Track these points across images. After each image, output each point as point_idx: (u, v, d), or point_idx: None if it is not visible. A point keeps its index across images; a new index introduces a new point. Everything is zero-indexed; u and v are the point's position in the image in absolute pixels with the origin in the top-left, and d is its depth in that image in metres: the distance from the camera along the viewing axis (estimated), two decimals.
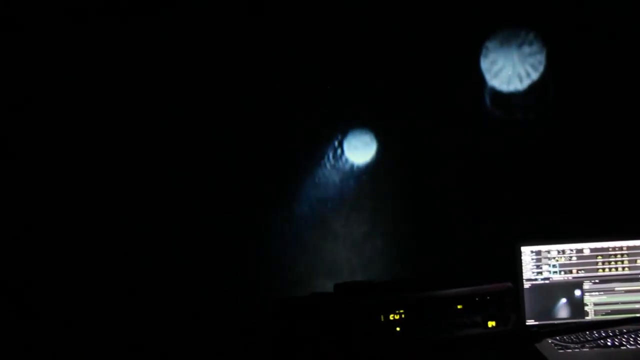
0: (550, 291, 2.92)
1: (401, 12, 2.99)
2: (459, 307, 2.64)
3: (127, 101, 2.85)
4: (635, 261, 2.92)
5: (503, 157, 3.09)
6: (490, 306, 2.68)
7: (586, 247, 2.93)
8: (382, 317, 2.53)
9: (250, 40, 2.92)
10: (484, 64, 3.07)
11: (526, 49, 3.09)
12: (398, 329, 2.56)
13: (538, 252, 2.93)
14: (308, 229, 3.04)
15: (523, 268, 2.92)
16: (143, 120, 2.86)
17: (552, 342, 2.73)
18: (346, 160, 3.09)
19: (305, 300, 2.67)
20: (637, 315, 2.84)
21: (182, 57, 2.87)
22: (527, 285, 2.92)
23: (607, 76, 3.05)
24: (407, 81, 3.04)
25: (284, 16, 2.93)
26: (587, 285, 2.93)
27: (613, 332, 2.79)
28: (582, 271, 2.93)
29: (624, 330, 2.77)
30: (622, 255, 2.92)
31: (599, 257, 2.93)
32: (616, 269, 2.92)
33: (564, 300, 2.93)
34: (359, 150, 3.09)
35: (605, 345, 2.70)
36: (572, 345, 2.69)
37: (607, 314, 2.92)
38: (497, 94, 3.09)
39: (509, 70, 3.08)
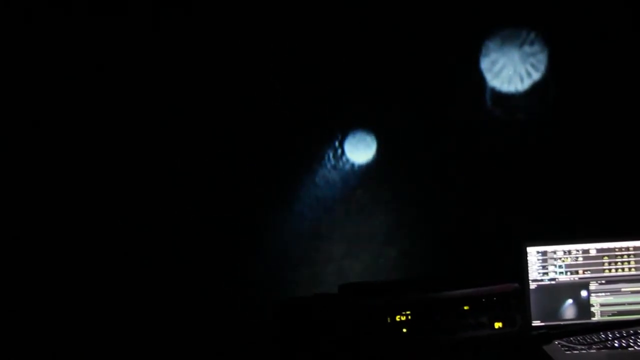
0: (556, 292, 2.89)
1: (401, 11, 3.00)
2: (465, 308, 2.65)
3: (127, 101, 2.86)
4: None
5: (508, 157, 3.08)
6: (496, 307, 2.70)
7: (592, 247, 2.90)
8: (388, 318, 2.54)
9: (250, 40, 2.93)
10: (484, 64, 3.07)
11: (527, 49, 3.09)
12: (404, 330, 2.56)
13: (544, 253, 2.90)
14: (308, 229, 3.03)
15: (529, 269, 2.88)
16: (143, 120, 2.87)
17: (558, 343, 2.69)
18: (347, 160, 3.09)
19: (310, 301, 2.66)
20: None
21: (182, 57, 2.88)
22: (533, 285, 2.88)
23: (612, 73, 3.04)
24: (407, 81, 3.04)
25: (285, 16, 2.94)
26: (593, 286, 2.89)
27: (620, 333, 2.75)
28: (589, 272, 2.90)
29: (631, 332, 2.73)
30: (628, 255, 2.89)
31: (605, 257, 2.90)
32: (622, 269, 2.89)
33: (570, 301, 2.89)
34: (360, 150, 3.09)
35: (613, 347, 2.66)
36: (579, 347, 2.66)
37: (613, 314, 2.88)
38: (500, 94, 3.09)
39: (510, 70, 3.07)
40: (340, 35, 2.98)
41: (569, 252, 2.90)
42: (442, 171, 3.08)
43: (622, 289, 2.88)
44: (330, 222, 3.07)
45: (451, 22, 3.00)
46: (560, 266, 2.90)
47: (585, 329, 2.75)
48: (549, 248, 2.90)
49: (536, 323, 2.86)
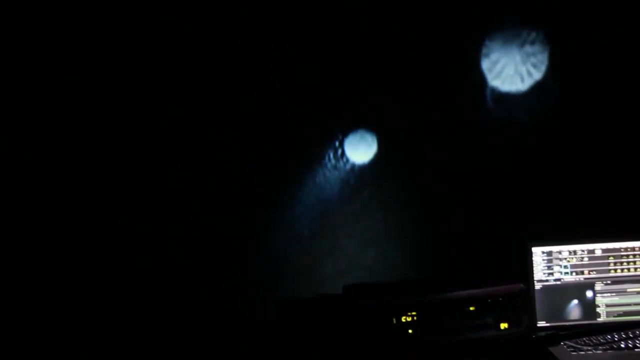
0: (561, 292, 2.86)
1: (401, 11, 3.00)
2: (471, 308, 2.63)
3: (127, 101, 2.86)
4: None
5: (511, 157, 3.05)
6: (502, 308, 2.67)
7: (598, 247, 2.87)
8: (394, 319, 2.52)
9: (250, 40, 2.93)
10: (485, 64, 3.05)
11: (528, 48, 3.07)
12: (410, 331, 2.55)
13: (549, 253, 2.87)
14: (309, 229, 3.02)
15: (534, 269, 2.86)
16: (143, 120, 2.87)
17: (564, 344, 2.66)
18: (347, 160, 3.08)
19: (314, 302, 2.66)
20: None
21: (182, 57, 2.89)
22: (538, 286, 2.85)
23: (618, 70, 3.02)
24: (408, 81, 3.03)
25: (285, 16, 2.95)
26: (598, 287, 2.86)
27: (626, 334, 2.70)
28: (594, 272, 2.87)
29: (637, 332, 2.69)
30: (634, 256, 2.86)
31: (611, 257, 2.86)
32: (628, 269, 2.85)
33: (575, 301, 2.86)
34: (360, 150, 3.08)
35: (619, 348, 2.62)
36: (585, 348, 2.62)
37: (619, 315, 2.85)
38: (500, 94, 3.07)
39: (511, 69, 3.06)
40: (340, 35, 2.98)
41: (574, 252, 2.88)
42: (443, 171, 3.06)
43: (628, 290, 2.85)
44: (331, 222, 3.05)
45: (451, 22, 2.99)
46: (565, 266, 2.87)
47: (594, 330, 2.72)
48: (554, 248, 2.88)
49: (541, 324, 2.83)
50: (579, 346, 2.64)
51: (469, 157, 3.07)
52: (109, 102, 2.85)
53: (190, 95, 2.91)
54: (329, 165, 3.06)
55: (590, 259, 2.88)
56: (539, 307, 2.84)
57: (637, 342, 2.65)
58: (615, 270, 2.87)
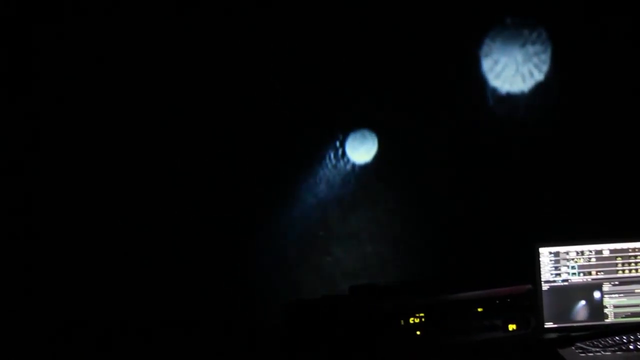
0: (569, 293, 2.81)
1: (401, 11, 3.00)
2: (479, 310, 2.62)
3: (128, 101, 2.87)
4: None
5: (521, 157, 3.04)
6: (510, 309, 2.66)
7: (605, 248, 2.82)
8: (402, 320, 2.51)
9: (250, 40, 2.94)
10: (486, 64, 3.05)
11: (529, 48, 3.06)
12: (418, 332, 2.54)
13: (556, 254, 2.83)
14: (309, 229, 3.02)
15: (541, 270, 2.81)
16: (143, 120, 2.88)
17: (572, 345, 2.62)
18: (347, 160, 3.07)
19: (320, 302, 2.64)
20: None
21: (182, 57, 2.90)
22: (545, 287, 2.81)
23: (622, 70, 3.00)
24: (408, 81, 3.02)
25: (284, 16, 2.95)
26: (606, 287, 2.82)
27: (635, 335, 2.65)
28: (602, 273, 2.82)
29: None
30: None
31: (619, 258, 2.82)
32: (636, 270, 2.81)
33: (583, 302, 2.82)
34: (361, 150, 3.07)
35: (628, 349, 2.58)
36: (593, 349, 2.58)
37: (627, 316, 2.80)
38: (501, 93, 3.06)
39: (512, 69, 3.05)
40: (340, 36, 2.98)
41: (582, 252, 2.83)
42: (445, 171, 3.04)
43: (636, 290, 2.80)
44: (332, 222, 3.04)
45: (452, 22, 2.99)
46: (572, 267, 2.83)
47: (603, 331, 2.67)
48: (561, 249, 2.83)
49: (549, 325, 2.78)
50: (587, 347, 2.60)
51: (473, 157, 3.05)
52: (109, 102, 2.86)
53: (191, 95, 2.91)
54: (329, 165, 3.05)
55: (597, 259, 2.83)
56: (546, 308, 2.80)
57: None
58: (623, 271, 2.82)
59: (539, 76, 3.04)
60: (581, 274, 2.83)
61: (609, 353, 2.57)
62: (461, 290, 2.62)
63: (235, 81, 2.94)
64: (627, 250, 2.83)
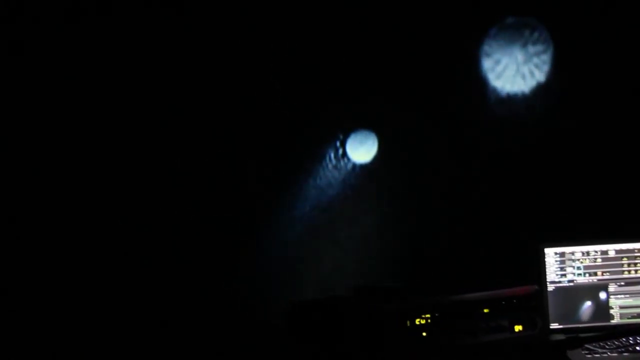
0: (574, 294, 2.83)
1: (401, 11, 2.99)
2: (485, 310, 2.62)
3: (128, 101, 2.86)
4: None
5: (525, 158, 3.03)
6: (516, 310, 2.66)
7: (611, 248, 2.84)
8: (408, 322, 2.50)
9: (250, 40, 2.93)
10: (487, 64, 3.04)
11: (530, 48, 3.05)
12: (424, 333, 2.53)
13: (562, 254, 2.84)
14: (309, 229, 3.00)
15: (547, 270, 2.83)
16: (143, 120, 2.86)
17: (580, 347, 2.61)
18: (348, 160, 3.06)
19: (324, 303, 2.63)
20: None
21: (182, 57, 2.88)
22: (550, 287, 2.83)
23: (623, 70, 2.99)
24: (408, 80, 3.01)
25: (284, 16, 2.94)
26: (612, 288, 2.83)
27: None
28: (607, 273, 2.84)
29: None
30: None
31: (625, 258, 2.84)
32: None
33: (588, 303, 2.83)
34: (361, 150, 3.06)
35: (635, 351, 2.58)
36: (600, 350, 2.58)
37: (633, 317, 2.82)
38: (501, 94, 3.05)
39: (513, 69, 3.04)
40: (340, 35, 2.97)
41: (588, 253, 2.85)
42: (447, 171, 3.03)
43: None
44: (332, 222, 3.03)
45: (452, 22, 2.98)
46: (578, 267, 2.84)
47: (609, 332, 2.66)
48: (566, 249, 2.85)
49: (554, 326, 2.80)
50: (593, 348, 2.60)
51: (475, 157, 3.04)
52: (109, 102, 2.84)
53: (191, 95, 2.90)
54: (329, 165, 3.04)
55: (603, 260, 2.85)
56: (551, 309, 2.81)
57: None
58: (629, 271, 2.84)
59: (540, 76, 3.03)
60: (587, 275, 2.84)
61: (616, 354, 2.57)
62: (467, 291, 2.61)
63: (235, 81, 2.92)
64: (633, 250, 2.84)
